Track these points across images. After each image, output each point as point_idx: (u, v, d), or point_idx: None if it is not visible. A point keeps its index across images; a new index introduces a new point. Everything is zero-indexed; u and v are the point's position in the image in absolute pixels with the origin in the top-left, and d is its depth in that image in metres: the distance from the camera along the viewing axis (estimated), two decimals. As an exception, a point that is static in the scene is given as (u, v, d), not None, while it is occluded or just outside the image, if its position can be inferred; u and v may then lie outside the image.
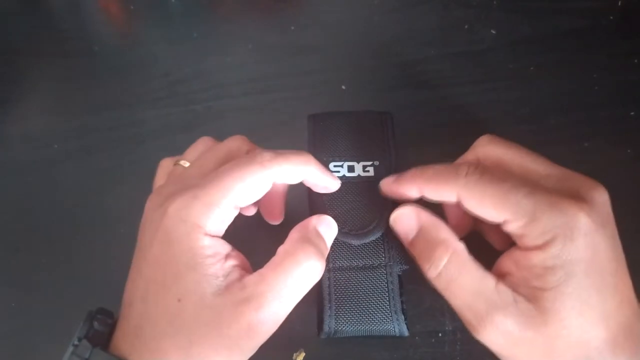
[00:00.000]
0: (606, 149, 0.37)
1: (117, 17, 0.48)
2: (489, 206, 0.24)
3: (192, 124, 0.41)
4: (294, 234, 0.27)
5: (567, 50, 0.41)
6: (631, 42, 0.41)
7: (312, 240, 0.26)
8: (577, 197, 0.23)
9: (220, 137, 0.31)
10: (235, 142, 0.29)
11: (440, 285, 0.25)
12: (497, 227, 0.25)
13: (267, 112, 0.41)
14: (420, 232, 0.27)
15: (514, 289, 0.24)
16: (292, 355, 0.32)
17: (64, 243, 0.37)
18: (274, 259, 0.25)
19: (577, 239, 0.23)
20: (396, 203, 0.29)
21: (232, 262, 0.25)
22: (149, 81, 0.43)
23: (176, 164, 0.30)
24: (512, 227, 0.24)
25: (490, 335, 0.23)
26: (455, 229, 0.27)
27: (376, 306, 0.28)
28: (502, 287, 0.24)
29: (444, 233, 0.26)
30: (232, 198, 0.25)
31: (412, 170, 0.28)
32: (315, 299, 0.29)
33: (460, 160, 0.29)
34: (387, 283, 0.29)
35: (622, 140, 0.37)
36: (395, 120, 0.33)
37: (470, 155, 0.29)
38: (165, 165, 0.31)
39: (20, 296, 0.36)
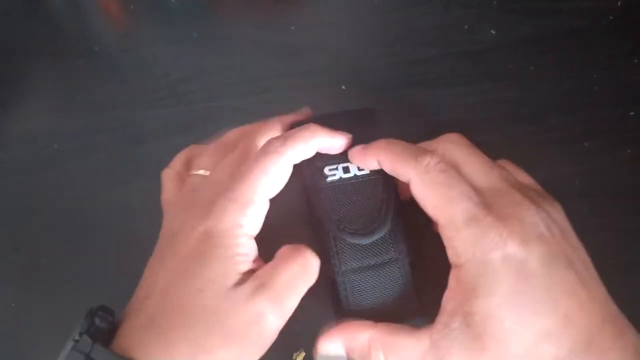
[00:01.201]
0: (606, 149, 0.37)
1: (117, 17, 0.48)
2: (430, 204, 0.25)
3: (192, 124, 0.41)
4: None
5: (567, 50, 0.41)
6: (631, 42, 0.41)
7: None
8: (505, 218, 0.24)
9: (220, 137, 0.31)
10: (249, 140, 0.30)
11: None
12: None
13: (267, 112, 0.41)
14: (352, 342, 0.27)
15: (452, 315, 0.23)
16: (292, 355, 0.32)
17: (63, 243, 0.37)
18: (282, 255, 0.27)
19: (495, 260, 0.23)
20: (398, 198, 0.29)
21: (254, 263, 0.26)
22: (149, 81, 0.43)
23: (192, 174, 0.30)
24: (442, 233, 0.25)
25: None
26: (402, 191, 0.29)
27: (394, 300, 0.28)
28: (438, 336, 0.23)
29: (365, 329, 0.26)
30: (263, 192, 0.26)
31: (379, 142, 0.28)
32: (312, 297, 0.29)
33: (428, 145, 0.29)
34: (401, 277, 0.29)
35: (622, 140, 0.37)
36: (395, 120, 0.34)
37: (433, 146, 0.29)
38: (170, 176, 0.31)
39: (20, 296, 0.36)
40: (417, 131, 0.37)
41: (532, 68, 0.40)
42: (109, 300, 0.26)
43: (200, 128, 0.41)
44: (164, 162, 0.34)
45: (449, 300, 0.24)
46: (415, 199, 0.27)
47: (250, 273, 0.25)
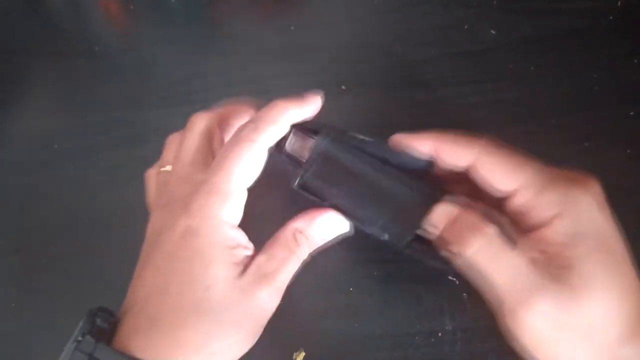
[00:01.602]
0: (606, 149, 0.37)
1: (117, 17, 0.48)
2: (501, 174, 0.25)
3: (192, 124, 0.41)
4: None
5: (567, 50, 0.41)
6: (631, 42, 0.41)
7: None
8: (578, 182, 0.24)
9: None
10: (202, 122, 0.30)
11: (474, 269, 0.24)
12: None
13: (267, 112, 0.41)
14: (458, 216, 0.25)
15: (546, 266, 0.23)
16: (292, 355, 0.32)
17: (64, 243, 0.37)
18: (278, 243, 0.27)
19: (581, 215, 0.23)
20: None
21: (248, 248, 0.26)
22: (149, 81, 0.43)
23: (160, 172, 0.30)
24: (522, 197, 0.24)
25: (529, 320, 0.23)
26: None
27: None
28: (539, 270, 0.23)
29: (480, 215, 0.25)
30: (239, 181, 0.26)
31: (429, 131, 0.28)
32: (312, 298, 0.29)
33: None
34: None
35: (622, 140, 0.37)
36: (395, 120, 0.34)
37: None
38: (152, 177, 0.31)
39: (20, 296, 0.36)
40: (417, 131, 0.38)
41: (532, 68, 0.40)
42: (108, 300, 0.26)
43: (200, 128, 0.41)
44: (164, 162, 0.34)
45: (536, 261, 0.24)
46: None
47: (246, 259, 0.26)
